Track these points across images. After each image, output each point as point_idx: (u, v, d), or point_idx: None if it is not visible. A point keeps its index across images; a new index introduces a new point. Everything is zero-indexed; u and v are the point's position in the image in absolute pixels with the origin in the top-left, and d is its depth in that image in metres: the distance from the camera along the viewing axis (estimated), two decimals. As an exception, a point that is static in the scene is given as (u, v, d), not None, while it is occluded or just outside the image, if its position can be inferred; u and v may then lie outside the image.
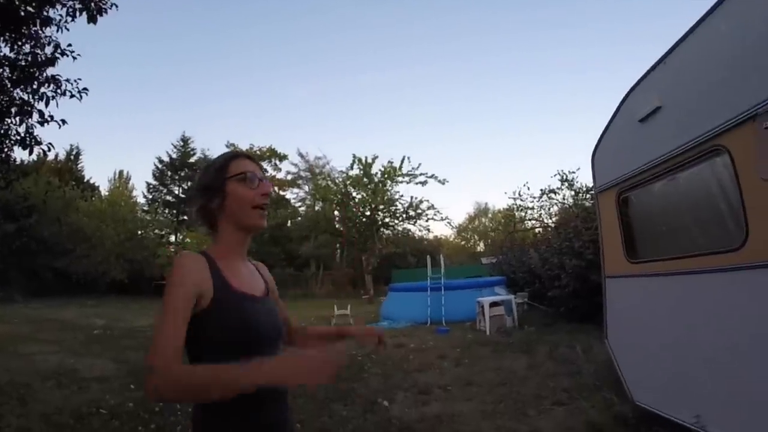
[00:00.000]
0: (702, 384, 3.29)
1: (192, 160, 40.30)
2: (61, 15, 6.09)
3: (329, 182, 30.06)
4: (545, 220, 20.54)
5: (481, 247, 47.48)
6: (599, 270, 5.05)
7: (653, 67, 3.86)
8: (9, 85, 6.08)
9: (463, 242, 52.24)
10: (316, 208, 32.90)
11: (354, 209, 28.40)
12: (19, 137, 6.24)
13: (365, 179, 27.27)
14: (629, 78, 4.20)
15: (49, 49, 6.16)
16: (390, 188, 27.94)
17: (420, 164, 27.39)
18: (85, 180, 37.00)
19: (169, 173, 39.66)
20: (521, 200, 21.05)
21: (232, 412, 1.25)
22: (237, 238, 1.40)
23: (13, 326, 12.22)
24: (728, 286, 3.06)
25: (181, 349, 1.18)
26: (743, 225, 2.88)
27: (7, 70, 6.06)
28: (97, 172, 73.65)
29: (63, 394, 5.81)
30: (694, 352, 3.37)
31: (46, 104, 6.10)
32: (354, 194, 28.53)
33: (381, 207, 28.29)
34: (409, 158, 27.18)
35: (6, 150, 6.39)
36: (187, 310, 1.20)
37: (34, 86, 6.07)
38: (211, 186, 1.38)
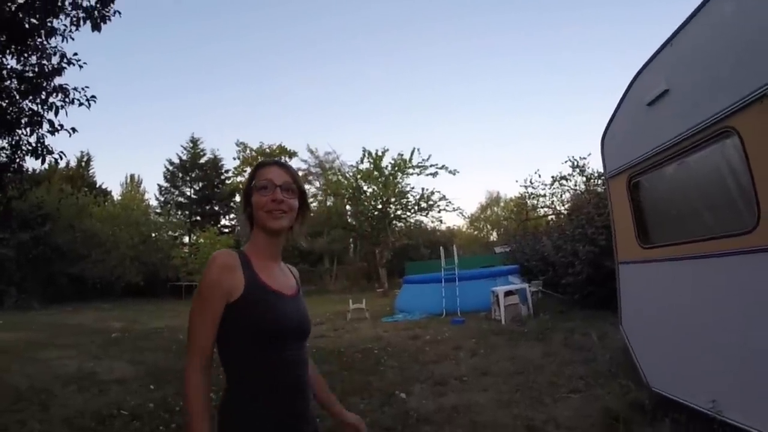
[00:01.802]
0: (717, 369, 3.26)
1: (202, 161, 40.49)
2: (65, 25, 6.13)
3: (340, 177, 30.02)
4: (557, 208, 20.40)
5: (494, 236, 47.31)
6: (613, 256, 5.02)
7: (660, 49, 3.82)
8: (17, 97, 6.16)
9: (475, 232, 52.11)
10: (328, 203, 32.92)
11: (365, 203, 28.37)
12: (30, 147, 6.33)
13: (376, 173, 27.18)
14: (640, 60, 4.16)
15: (55, 59, 6.22)
16: (401, 181, 27.86)
17: (430, 155, 27.20)
18: (97, 186, 37.16)
19: (180, 175, 39.83)
20: (533, 188, 20.87)
21: (257, 401, 1.38)
22: (264, 240, 1.53)
23: (31, 333, 12.27)
24: (741, 269, 3.03)
25: (209, 347, 1.36)
26: (755, 207, 2.85)
27: (15, 82, 6.13)
28: (109, 177, 74.23)
29: (84, 397, 5.87)
30: (709, 336, 3.35)
31: (56, 114, 6.18)
32: (365, 188, 28.48)
33: (392, 200, 28.18)
34: (419, 150, 27.01)
35: (18, 160, 6.48)
36: (217, 310, 1.36)
37: (43, 96, 6.13)
38: (245, 195, 1.55)
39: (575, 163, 18.31)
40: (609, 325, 7.50)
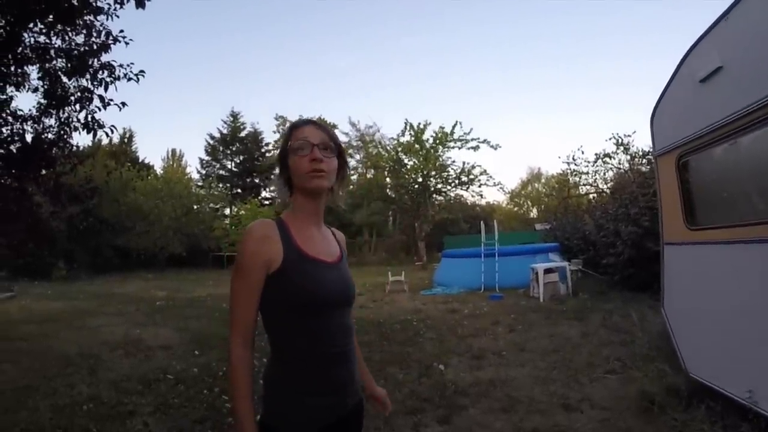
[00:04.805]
0: (757, 359, 3.18)
1: (242, 134, 41.13)
2: (109, 3, 6.29)
3: (380, 149, 30.00)
4: (600, 186, 19.95)
5: (534, 213, 46.59)
6: (655, 238, 4.92)
7: (714, 24, 3.66)
8: (62, 77, 6.39)
9: (516, 208, 51.29)
10: (368, 176, 33.00)
11: (406, 176, 28.29)
12: (80, 123, 6.59)
13: (417, 145, 26.98)
14: (692, 35, 3.99)
15: (101, 37, 6.39)
16: (442, 154, 27.59)
17: (472, 129, 26.72)
18: (140, 161, 38.15)
19: (221, 148, 40.71)
20: (575, 165, 20.48)
21: (299, 371, 1.37)
22: (307, 204, 1.46)
23: (80, 302, 12.79)
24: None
25: (252, 321, 1.35)
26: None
27: (62, 61, 6.35)
28: (151, 152, 76.15)
29: (130, 362, 6.15)
30: (752, 325, 3.26)
31: (105, 89, 6.42)
32: (406, 161, 28.35)
33: (433, 173, 27.98)
34: (460, 123, 26.68)
35: (65, 137, 6.75)
36: (257, 283, 1.34)
37: (91, 73, 6.34)
38: (281, 158, 1.47)
39: (619, 141, 17.83)
40: (648, 308, 7.38)
